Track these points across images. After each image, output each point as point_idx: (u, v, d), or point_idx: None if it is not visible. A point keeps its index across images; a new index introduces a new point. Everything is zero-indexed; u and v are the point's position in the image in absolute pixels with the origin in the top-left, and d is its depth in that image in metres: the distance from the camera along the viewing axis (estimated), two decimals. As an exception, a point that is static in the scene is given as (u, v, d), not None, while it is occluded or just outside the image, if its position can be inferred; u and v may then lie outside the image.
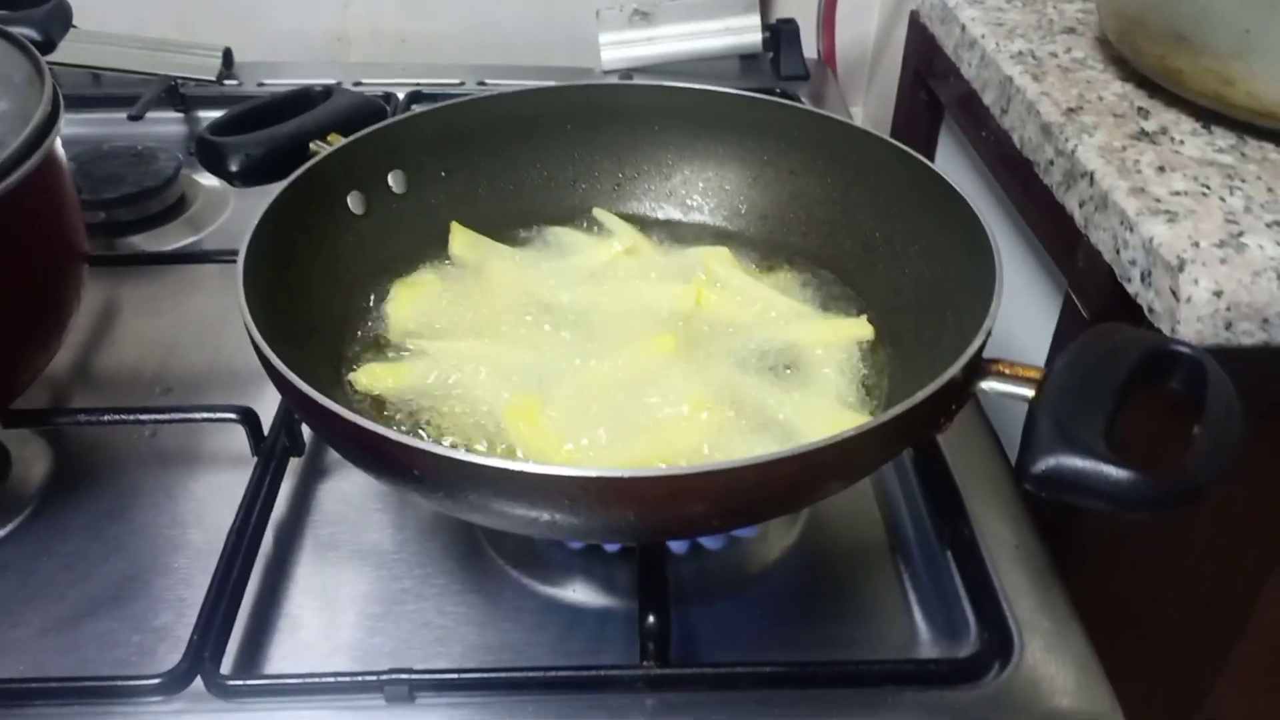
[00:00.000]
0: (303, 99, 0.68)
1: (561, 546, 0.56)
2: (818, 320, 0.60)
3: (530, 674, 0.48)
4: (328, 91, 0.68)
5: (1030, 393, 0.45)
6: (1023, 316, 0.72)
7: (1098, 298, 0.59)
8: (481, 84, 1.03)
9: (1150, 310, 0.53)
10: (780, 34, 1.03)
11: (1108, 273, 0.58)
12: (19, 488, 0.60)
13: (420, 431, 0.53)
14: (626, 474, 0.40)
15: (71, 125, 0.95)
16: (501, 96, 0.68)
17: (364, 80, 1.03)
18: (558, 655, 0.51)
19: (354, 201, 0.63)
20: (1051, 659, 0.50)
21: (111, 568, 0.56)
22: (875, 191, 0.64)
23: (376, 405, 0.55)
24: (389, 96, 0.99)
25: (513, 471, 0.40)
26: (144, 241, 0.84)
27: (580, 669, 0.49)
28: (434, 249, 0.65)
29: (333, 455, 0.62)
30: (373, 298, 0.62)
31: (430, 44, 1.13)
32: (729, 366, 0.57)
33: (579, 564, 0.56)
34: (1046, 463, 0.41)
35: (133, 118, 0.93)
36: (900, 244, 0.61)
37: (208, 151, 0.62)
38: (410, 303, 0.61)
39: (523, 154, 0.69)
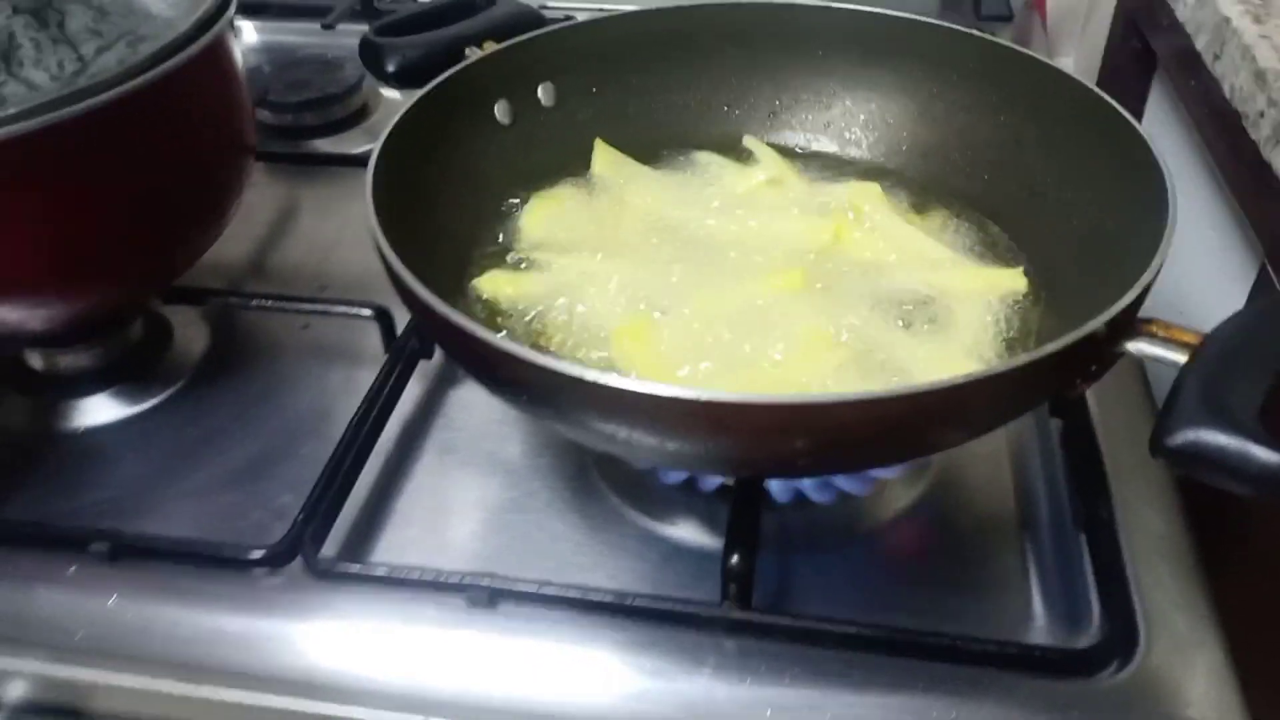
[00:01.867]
0: (466, 6, 0.68)
1: (667, 481, 0.55)
2: (967, 268, 0.56)
3: (606, 598, 0.47)
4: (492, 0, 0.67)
5: (1183, 358, 0.40)
6: (1209, 288, 0.64)
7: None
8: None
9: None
10: (985, -32, 0.95)
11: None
12: (178, 360, 0.64)
13: (534, 342, 0.53)
14: (711, 396, 0.38)
15: (269, 33, 1.02)
16: (659, 11, 0.65)
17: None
18: (645, 585, 0.50)
19: (501, 110, 0.62)
20: (1179, 661, 0.45)
21: (248, 445, 0.59)
22: (1051, 134, 0.58)
23: (492, 312, 0.55)
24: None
25: (592, 383, 0.38)
26: (327, 145, 0.87)
27: (657, 599, 0.47)
28: (577, 165, 0.64)
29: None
30: (509, 206, 0.61)
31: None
32: (861, 309, 0.53)
33: (684, 501, 0.54)
34: (1185, 435, 0.36)
35: (326, 26, 0.96)
36: (1071, 192, 0.56)
37: (368, 51, 0.63)
38: (544, 215, 0.60)
39: (677, 74, 0.67)
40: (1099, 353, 0.41)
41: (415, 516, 0.55)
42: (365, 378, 0.60)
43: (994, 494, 0.55)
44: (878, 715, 0.44)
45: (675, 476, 0.54)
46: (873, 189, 0.61)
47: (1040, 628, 0.49)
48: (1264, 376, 0.37)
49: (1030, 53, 0.60)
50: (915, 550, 0.53)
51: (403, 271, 0.44)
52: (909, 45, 0.64)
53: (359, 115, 0.90)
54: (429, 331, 0.48)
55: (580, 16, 0.67)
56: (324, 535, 0.52)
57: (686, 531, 0.53)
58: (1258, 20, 0.60)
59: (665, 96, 0.67)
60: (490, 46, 0.62)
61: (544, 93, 0.64)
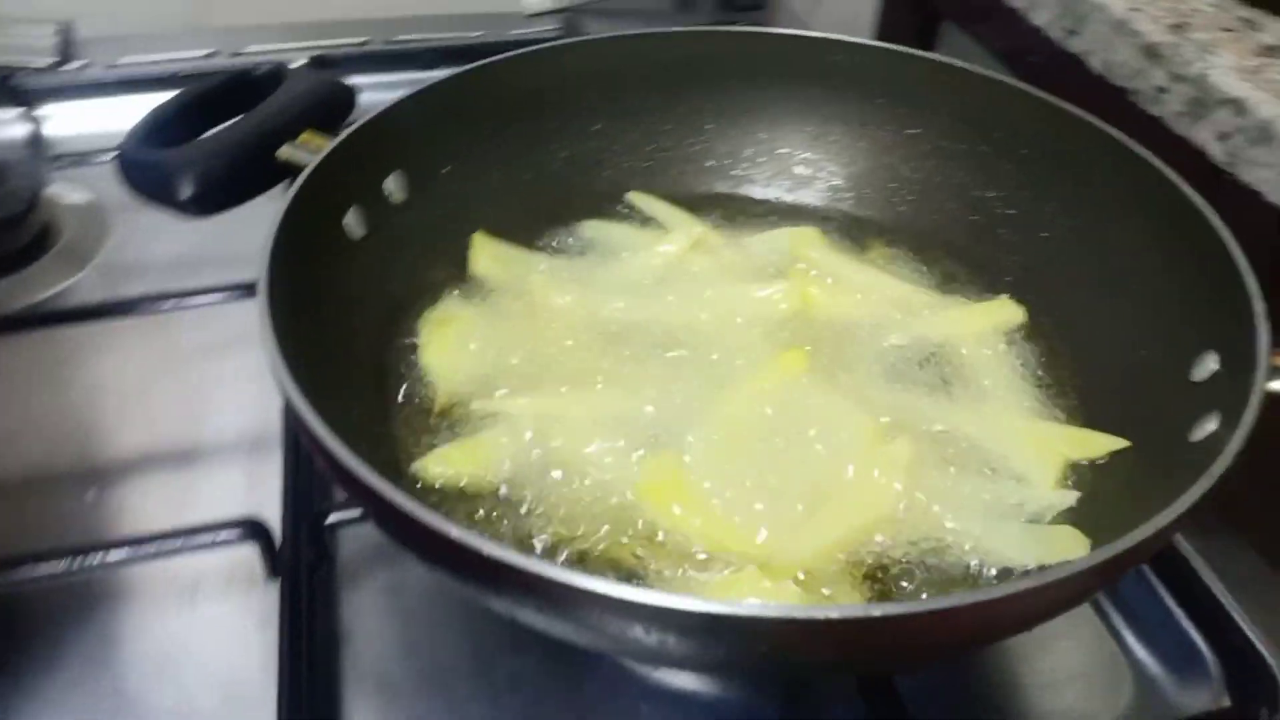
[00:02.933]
0: (243, 86, 0.52)
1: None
2: (954, 308, 0.50)
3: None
4: (277, 74, 0.52)
5: (1342, 391, 0.36)
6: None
7: (1258, 245, 0.51)
8: (390, 41, 0.87)
9: (1363, 260, 0.45)
10: (728, -41, 0.91)
11: (1275, 216, 0.49)
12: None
13: (532, 536, 0.40)
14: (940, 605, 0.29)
15: None
16: (502, 63, 0.54)
17: (245, 49, 0.85)
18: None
19: (353, 221, 0.48)
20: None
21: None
22: (978, 142, 0.54)
23: (446, 498, 0.41)
24: (277, 66, 0.81)
25: (807, 621, 0.28)
26: (7, 290, 0.64)
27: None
28: (455, 270, 0.51)
29: (353, 556, 0.48)
30: (400, 349, 0.47)
31: (311, -1, 0.95)
32: (877, 380, 0.46)
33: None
34: None
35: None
36: (1027, 204, 0.52)
37: (147, 173, 0.46)
38: (449, 347, 0.47)
39: (537, 132, 0.56)
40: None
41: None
42: (237, 616, 0.45)
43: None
44: None
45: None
46: (811, 233, 0.53)
47: (1159, 681, 0.44)
48: None
49: (911, 50, 0.55)
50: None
51: (370, 478, 0.31)
52: (791, 65, 0.57)
53: (43, 240, 0.67)
54: (414, 550, 0.35)
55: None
56: None
57: (723, 684, 0.43)
58: (1116, -8, 0.59)
59: (530, 160, 0.55)
60: (311, 139, 0.47)
61: (393, 186, 0.50)
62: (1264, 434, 0.52)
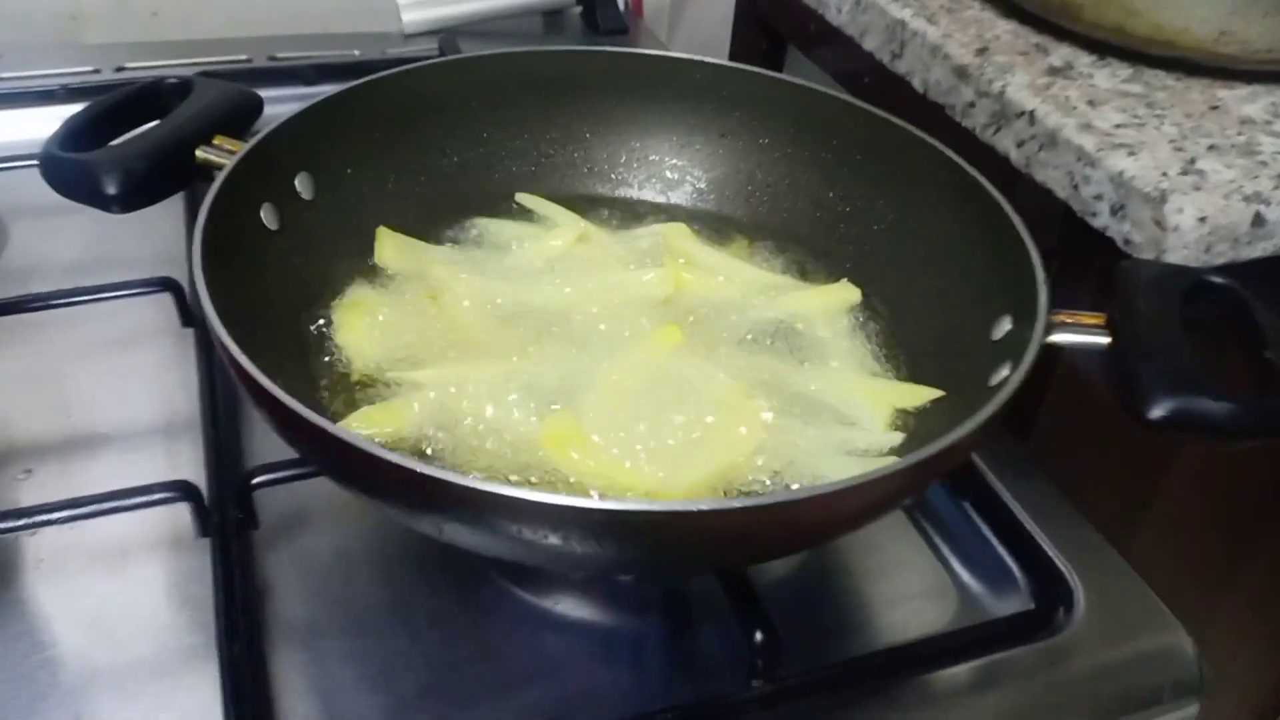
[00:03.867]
0: (153, 94, 0.56)
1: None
2: (802, 289, 0.58)
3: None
4: (185, 85, 0.56)
5: (1104, 339, 0.45)
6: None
7: (1049, 234, 0.61)
8: (272, 59, 0.91)
9: (1127, 241, 0.56)
10: (594, -15, 0.98)
11: (1062, 210, 0.59)
12: None
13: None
14: (809, 494, 0.36)
15: None
16: (395, 76, 0.59)
17: (127, 65, 0.88)
18: (621, 692, 0.47)
19: (268, 215, 0.53)
20: (1107, 587, 0.52)
21: (54, 708, 0.44)
22: (819, 148, 0.62)
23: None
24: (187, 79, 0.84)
25: (681, 512, 0.34)
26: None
27: (696, 706, 0.45)
28: (361, 260, 0.57)
29: (287, 518, 0.52)
30: (316, 324, 0.52)
31: (185, 18, 0.97)
32: (739, 350, 0.54)
33: (599, 587, 0.51)
34: (1167, 405, 0.41)
35: None
36: (862, 201, 0.60)
37: (71, 172, 0.49)
38: (361, 328, 0.52)
39: (428, 139, 0.61)
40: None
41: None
42: (164, 577, 0.49)
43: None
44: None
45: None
46: (681, 228, 0.61)
47: (980, 596, 0.53)
48: (1179, 339, 0.44)
49: (763, 71, 0.63)
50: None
51: (304, 410, 0.37)
52: (650, 80, 0.64)
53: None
54: (372, 487, 0.40)
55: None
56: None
57: (610, 612, 0.50)
58: (931, 21, 0.69)
59: (422, 164, 0.61)
60: (225, 142, 0.52)
61: (302, 185, 0.55)
62: (1064, 391, 0.62)
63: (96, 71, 0.87)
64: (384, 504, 0.41)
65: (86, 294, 0.59)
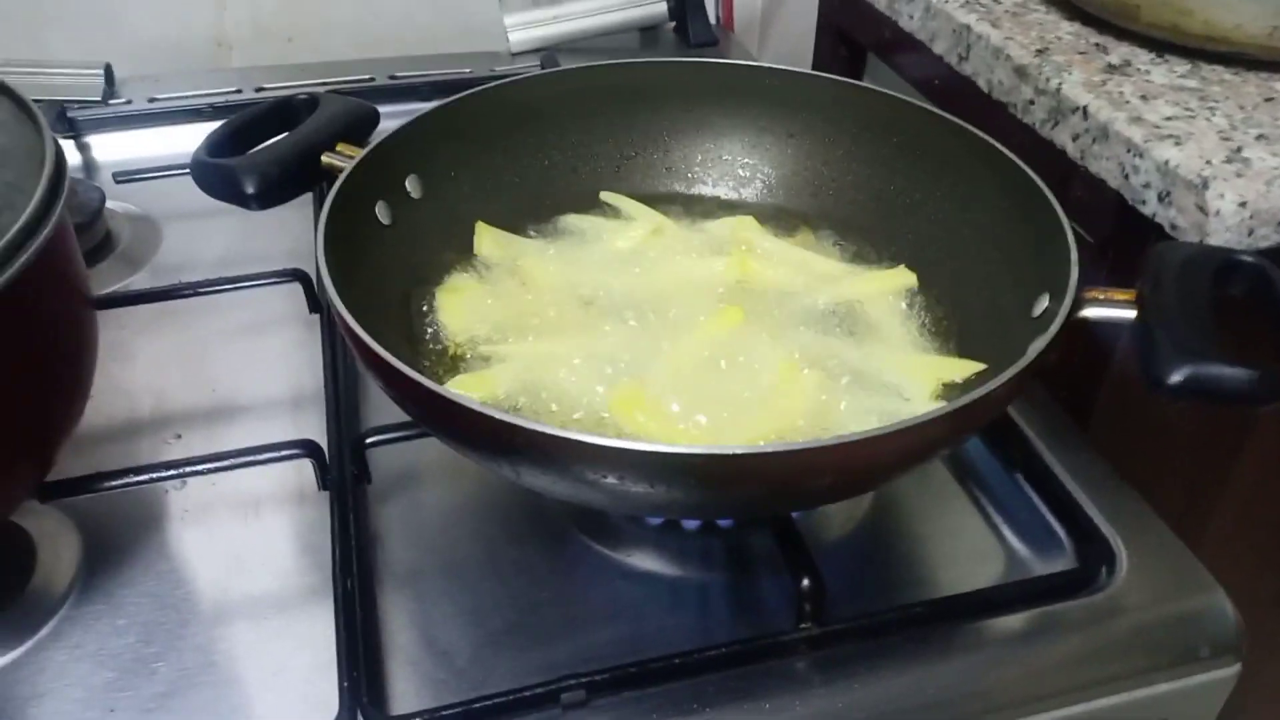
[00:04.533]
0: (286, 110, 0.64)
1: (648, 526, 0.56)
2: (861, 275, 0.63)
3: (704, 655, 0.49)
4: (313, 100, 0.64)
5: (1132, 313, 0.49)
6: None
7: (1104, 222, 0.64)
8: (392, 78, 0.99)
9: (1173, 227, 0.59)
10: (685, 2, 1.04)
11: (1115, 199, 0.62)
12: (52, 578, 0.55)
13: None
14: (808, 445, 0.41)
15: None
16: (494, 90, 0.66)
17: (265, 85, 0.98)
18: (683, 634, 0.52)
19: (381, 211, 0.60)
20: (1148, 549, 0.55)
21: (194, 633, 0.52)
22: (880, 145, 0.66)
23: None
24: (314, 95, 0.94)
25: (711, 456, 0.40)
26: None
27: (748, 642, 0.50)
28: (461, 251, 0.64)
29: (395, 478, 0.60)
30: (420, 306, 0.59)
31: (317, 42, 1.08)
32: (798, 329, 0.59)
33: (663, 539, 0.56)
34: (1184, 371, 0.44)
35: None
36: (920, 193, 0.64)
37: (217, 175, 0.57)
38: (460, 310, 0.59)
39: (522, 145, 0.68)
40: (1072, 327, 0.49)
41: (419, 649, 0.52)
42: (285, 523, 0.56)
43: (932, 471, 0.62)
44: (957, 679, 0.50)
45: (657, 520, 0.56)
46: (749, 221, 0.66)
47: (1027, 561, 0.56)
48: (1204, 312, 0.47)
49: (825, 75, 0.68)
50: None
51: (425, 381, 0.43)
52: (723, 88, 0.69)
53: (105, 245, 0.80)
54: (463, 436, 0.46)
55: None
56: (382, 692, 0.48)
57: (676, 565, 0.55)
58: (995, 25, 0.73)
59: (517, 167, 0.67)
60: (346, 149, 0.60)
61: (412, 186, 0.63)
62: (1118, 377, 0.65)
63: (239, 91, 0.97)
64: (471, 452, 0.47)
65: (227, 283, 0.68)
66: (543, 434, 0.40)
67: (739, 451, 0.40)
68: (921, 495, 0.60)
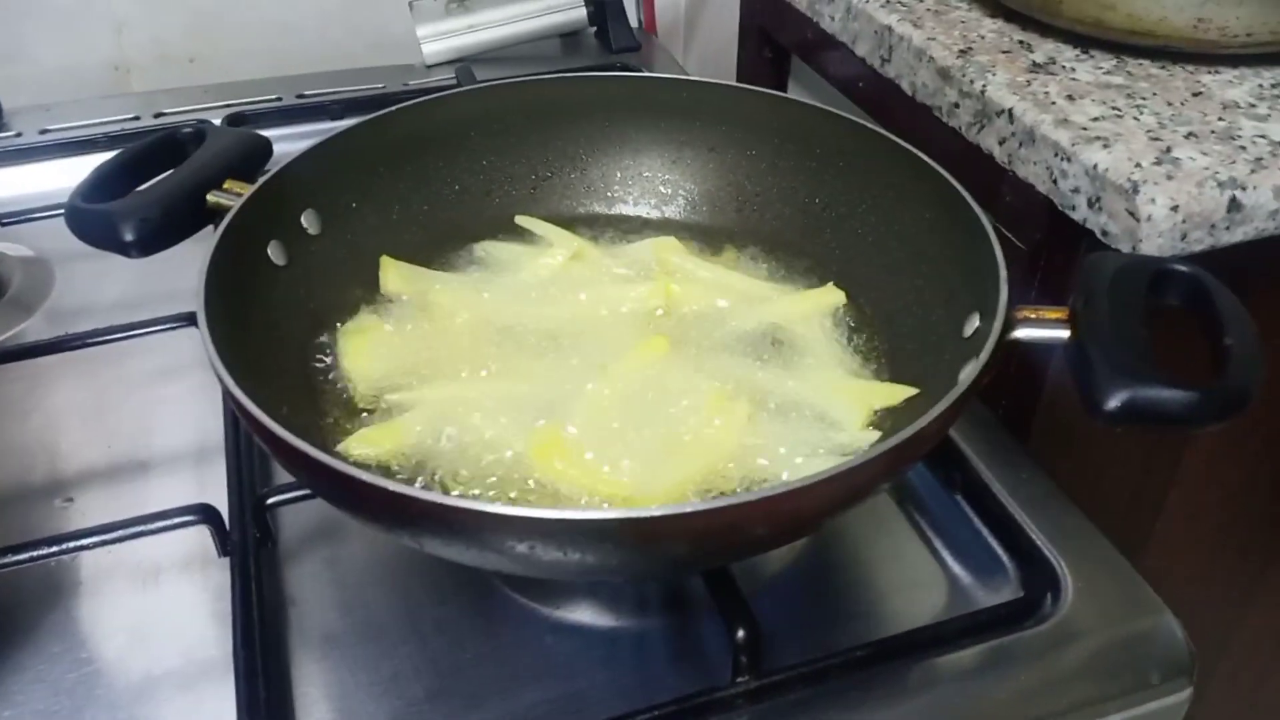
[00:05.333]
0: (170, 145, 0.60)
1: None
2: (788, 295, 0.60)
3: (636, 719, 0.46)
4: (200, 133, 0.60)
5: (1065, 333, 0.46)
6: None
7: (1033, 228, 0.62)
8: (300, 96, 0.95)
9: (1104, 233, 0.57)
10: (605, 7, 1.01)
11: (1044, 204, 0.60)
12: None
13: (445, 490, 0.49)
14: (750, 498, 0.38)
15: None
16: (394, 114, 0.62)
17: (165, 110, 0.93)
18: (618, 690, 0.49)
19: (275, 252, 0.56)
20: (1094, 574, 0.53)
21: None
22: (804, 157, 0.64)
23: (372, 470, 0.50)
24: (201, 124, 0.89)
25: (625, 520, 0.37)
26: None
27: (683, 701, 0.47)
28: (367, 288, 0.60)
29: (307, 535, 0.56)
30: (322, 352, 0.56)
31: (222, 62, 1.03)
32: (724, 356, 0.56)
33: (593, 588, 0.53)
34: (1120, 397, 0.42)
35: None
36: (845, 206, 0.62)
37: (93, 221, 0.53)
38: (364, 352, 0.56)
39: (429, 170, 0.64)
40: (1003, 350, 0.46)
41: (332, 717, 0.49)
42: (193, 593, 0.53)
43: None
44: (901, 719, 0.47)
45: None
46: (671, 242, 0.63)
47: (970, 588, 0.54)
48: (1138, 330, 0.45)
49: (744, 86, 0.65)
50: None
51: (303, 446, 0.40)
52: (639, 102, 0.66)
53: (-11, 292, 0.75)
54: (356, 506, 0.43)
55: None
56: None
57: (608, 615, 0.53)
58: (916, 25, 0.70)
59: (425, 193, 0.64)
60: (235, 186, 0.56)
61: (308, 221, 0.59)
62: (1055, 388, 0.63)
63: (136, 119, 0.92)
64: (368, 522, 0.44)
65: (119, 331, 0.64)
66: (439, 505, 0.37)
67: (658, 513, 0.37)
68: (862, 523, 0.58)
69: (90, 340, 0.64)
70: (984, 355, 0.44)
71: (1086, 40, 0.67)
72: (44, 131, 0.90)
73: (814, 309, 0.59)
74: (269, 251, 0.56)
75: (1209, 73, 0.64)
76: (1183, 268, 0.48)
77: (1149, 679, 0.50)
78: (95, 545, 0.51)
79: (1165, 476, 0.77)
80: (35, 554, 0.50)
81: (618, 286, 0.60)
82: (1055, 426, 0.66)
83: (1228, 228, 0.55)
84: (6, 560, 0.50)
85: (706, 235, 0.65)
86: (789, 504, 0.38)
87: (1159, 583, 0.54)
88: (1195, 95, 0.62)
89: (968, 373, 0.44)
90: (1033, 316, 0.47)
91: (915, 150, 0.57)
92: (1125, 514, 0.78)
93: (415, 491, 0.37)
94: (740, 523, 0.39)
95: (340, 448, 0.50)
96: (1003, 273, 0.48)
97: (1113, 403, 0.42)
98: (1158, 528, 0.80)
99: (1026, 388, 0.66)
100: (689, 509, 0.37)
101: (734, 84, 0.65)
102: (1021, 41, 0.69)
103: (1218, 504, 0.81)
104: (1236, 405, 0.43)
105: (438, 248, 0.63)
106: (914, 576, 0.55)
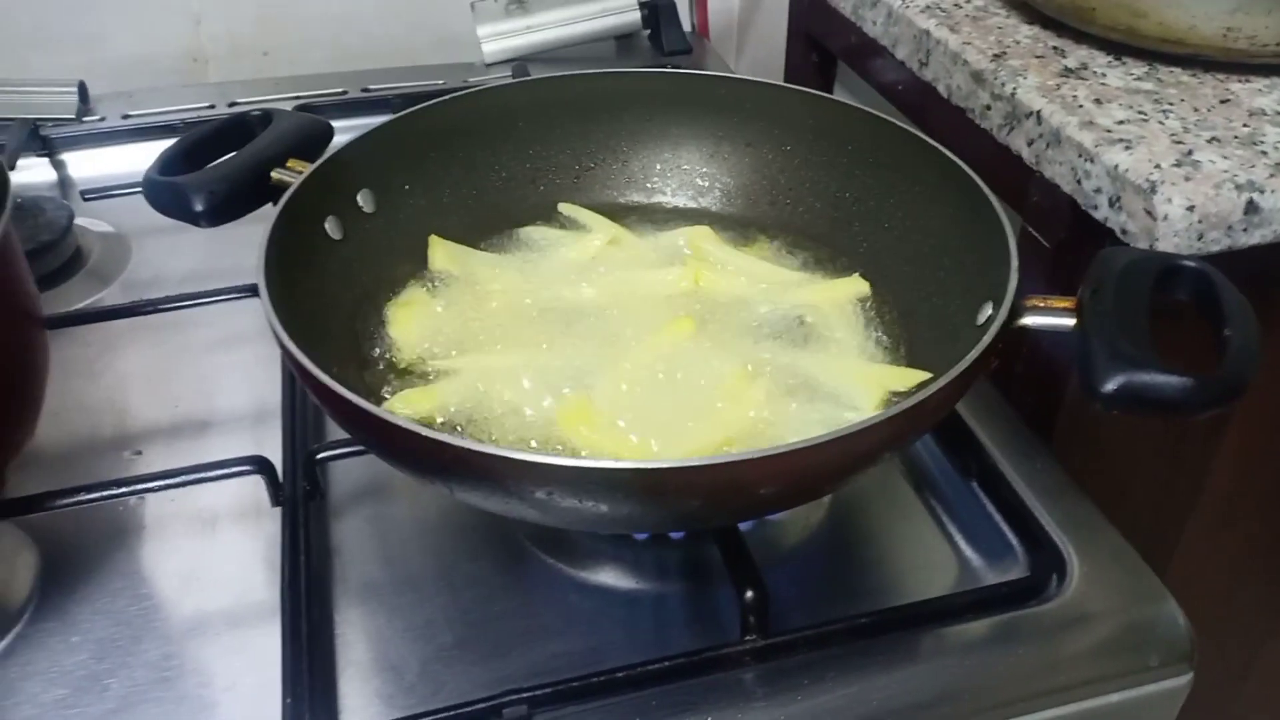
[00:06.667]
0: (239, 126, 0.64)
1: (602, 538, 0.57)
2: (814, 284, 0.63)
3: (647, 669, 0.49)
4: (267, 116, 0.64)
5: (1071, 321, 0.48)
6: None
7: (1058, 227, 0.64)
8: (365, 90, 1.00)
9: (1124, 231, 0.58)
10: (658, 10, 1.04)
11: (1068, 203, 0.62)
12: (7, 596, 0.55)
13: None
14: (754, 455, 0.41)
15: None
16: (449, 102, 0.66)
17: (239, 100, 0.98)
18: (634, 646, 0.52)
19: (332, 227, 0.60)
20: (1097, 557, 0.55)
21: (146, 649, 0.53)
22: (836, 153, 0.66)
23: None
24: (268, 111, 0.94)
25: (637, 470, 0.40)
26: (46, 304, 0.77)
27: (692, 655, 0.50)
28: (416, 265, 0.64)
29: (355, 493, 0.60)
30: (371, 321, 0.60)
31: (294, 55, 1.08)
32: (748, 339, 0.59)
33: (618, 553, 0.57)
34: (1117, 381, 0.44)
35: (-2, 168, 0.85)
36: (874, 200, 0.64)
37: (166, 192, 0.58)
38: (411, 323, 0.59)
39: (478, 157, 0.68)
40: (1007, 335, 0.48)
41: (372, 665, 0.52)
42: (239, 538, 0.57)
43: (881, 471, 0.62)
44: (903, 689, 0.50)
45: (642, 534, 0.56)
46: (704, 231, 0.66)
47: (979, 570, 0.56)
48: (1141, 320, 0.47)
49: (785, 84, 0.68)
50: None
51: (352, 397, 0.43)
52: (682, 97, 0.70)
53: (74, 262, 0.80)
54: (394, 452, 0.47)
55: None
56: (328, 706, 0.48)
57: (638, 583, 0.56)
58: (953, 30, 0.73)
59: (474, 180, 0.68)
60: (297, 165, 0.60)
61: (364, 200, 0.63)
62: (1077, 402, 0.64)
63: (211, 107, 0.97)
64: (404, 468, 0.47)
65: (188, 300, 0.69)
66: (469, 450, 0.41)
67: (666, 466, 0.40)
68: (877, 504, 0.60)
69: (161, 306, 0.69)
70: (987, 338, 0.46)
71: (1120, 48, 0.69)
72: (126, 117, 0.95)
73: (839, 297, 0.61)
74: (326, 226, 0.60)
75: (1239, 81, 0.65)
76: (1190, 263, 0.50)
77: (1148, 662, 0.52)
78: (158, 489, 0.55)
79: (1193, 483, 0.78)
80: (105, 494, 0.55)
81: (651, 270, 0.63)
82: (1079, 424, 0.68)
83: (1245, 230, 0.57)
84: (79, 499, 0.55)
85: (740, 226, 0.68)
86: (790, 463, 0.41)
87: (1188, 589, 0.55)
88: (1223, 102, 0.63)
89: (971, 355, 0.46)
90: (1041, 305, 0.49)
91: (941, 148, 0.59)
92: (1151, 521, 0.79)
93: (448, 438, 0.41)
94: (743, 479, 0.41)
95: (383, 407, 0.54)
96: (1014, 261, 0.51)
97: (1110, 385, 0.44)
98: (1184, 537, 0.81)
99: (1051, 386, 0.68)
100: (695, 463, 0.40)
101: (771, 81, 0.68)
102: (1055, 48, 0.70)
103: (1247, 514, 0.81)
104: (1231, 393, 0.44)
105: (484, 230, 0.67)
106: (926, 557, 0.57)
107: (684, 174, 0.70)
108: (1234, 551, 0.82)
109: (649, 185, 0.71)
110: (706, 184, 0.70)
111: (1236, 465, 0.77)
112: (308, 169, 0.59)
